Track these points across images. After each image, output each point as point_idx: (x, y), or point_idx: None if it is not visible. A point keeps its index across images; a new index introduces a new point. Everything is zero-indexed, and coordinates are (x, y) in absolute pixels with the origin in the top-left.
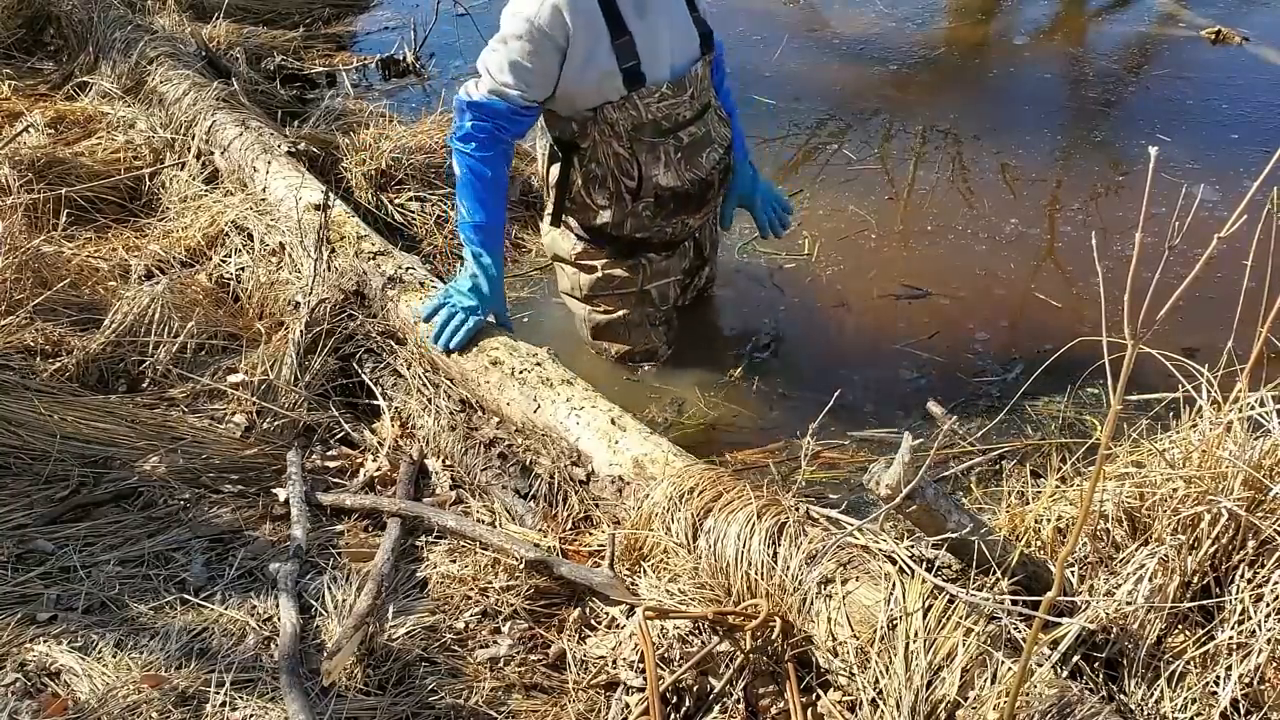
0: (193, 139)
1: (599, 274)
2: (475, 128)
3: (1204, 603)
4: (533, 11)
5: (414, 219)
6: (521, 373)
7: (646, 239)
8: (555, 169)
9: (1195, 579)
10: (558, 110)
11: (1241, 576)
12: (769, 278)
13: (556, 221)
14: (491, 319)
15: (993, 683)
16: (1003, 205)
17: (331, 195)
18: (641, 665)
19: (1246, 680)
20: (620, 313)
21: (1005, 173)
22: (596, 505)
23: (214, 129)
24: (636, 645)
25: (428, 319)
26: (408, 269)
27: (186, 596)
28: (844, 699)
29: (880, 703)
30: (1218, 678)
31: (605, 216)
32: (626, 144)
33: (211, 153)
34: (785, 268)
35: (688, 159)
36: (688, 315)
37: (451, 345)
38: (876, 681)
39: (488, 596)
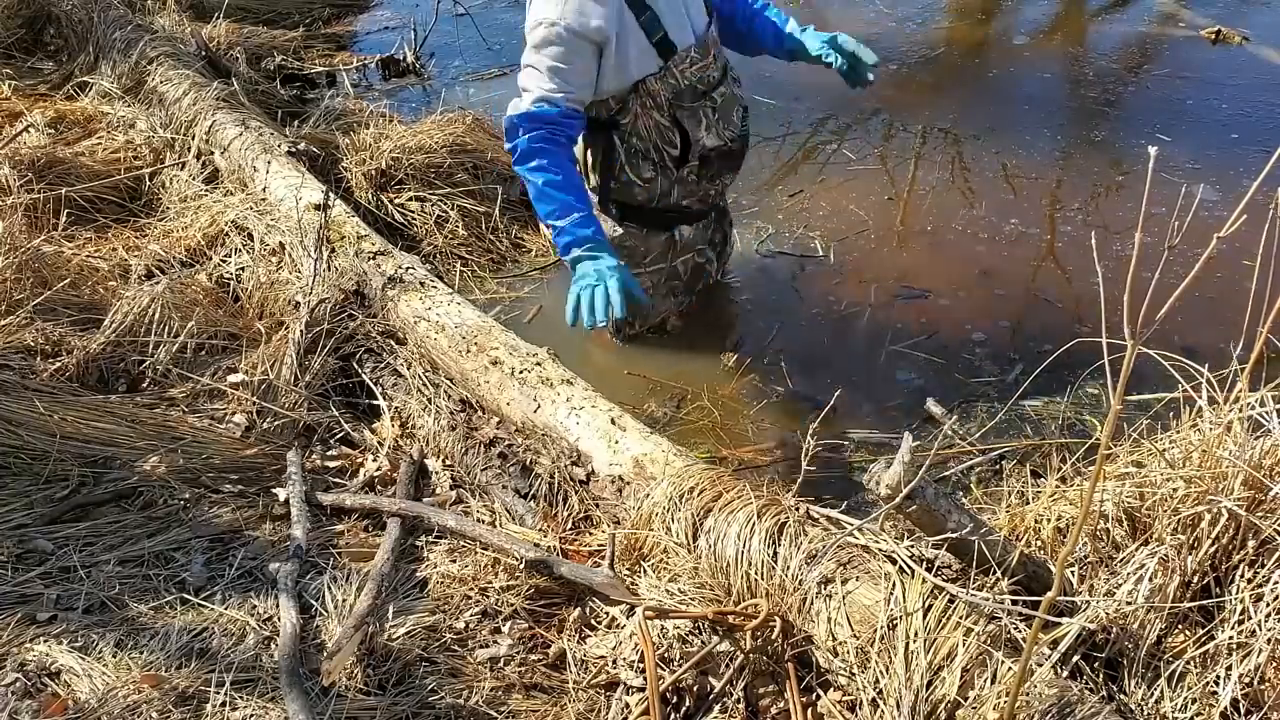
0: (193, 139)
1: (636, 253)
2: (531, 139)
3: (1204, 603)
4: (556, 14)
5: (414, 219)
6: (521, 373)
7: (687, 207)
8: (592, 152)
9: (1195, 579)
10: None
11: (1241, 576)
12: (789, 279)
13: (603, 205)
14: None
15: (993, 683)
16: (1003, 205)
17: (332, 195)
18: (641, 665)
19: (1246, 680)
20: (645, 287)
21: (1005, 172)
22: (596, 505)
23: (214, 129)
24: (636, 645)
25: (573, 317)
26: (408, 269)
27: (186, 596)
28: (844, 699)
29: (880, 702)
30: (1218, 678)
31: (652, 189)
32: (667, 113)
33: (211, 153)
34: (806, 270)
35: (723, 118)
36: (692, 315)
37: (606, 314)
38: (876, 681)
39: (488, 596)
